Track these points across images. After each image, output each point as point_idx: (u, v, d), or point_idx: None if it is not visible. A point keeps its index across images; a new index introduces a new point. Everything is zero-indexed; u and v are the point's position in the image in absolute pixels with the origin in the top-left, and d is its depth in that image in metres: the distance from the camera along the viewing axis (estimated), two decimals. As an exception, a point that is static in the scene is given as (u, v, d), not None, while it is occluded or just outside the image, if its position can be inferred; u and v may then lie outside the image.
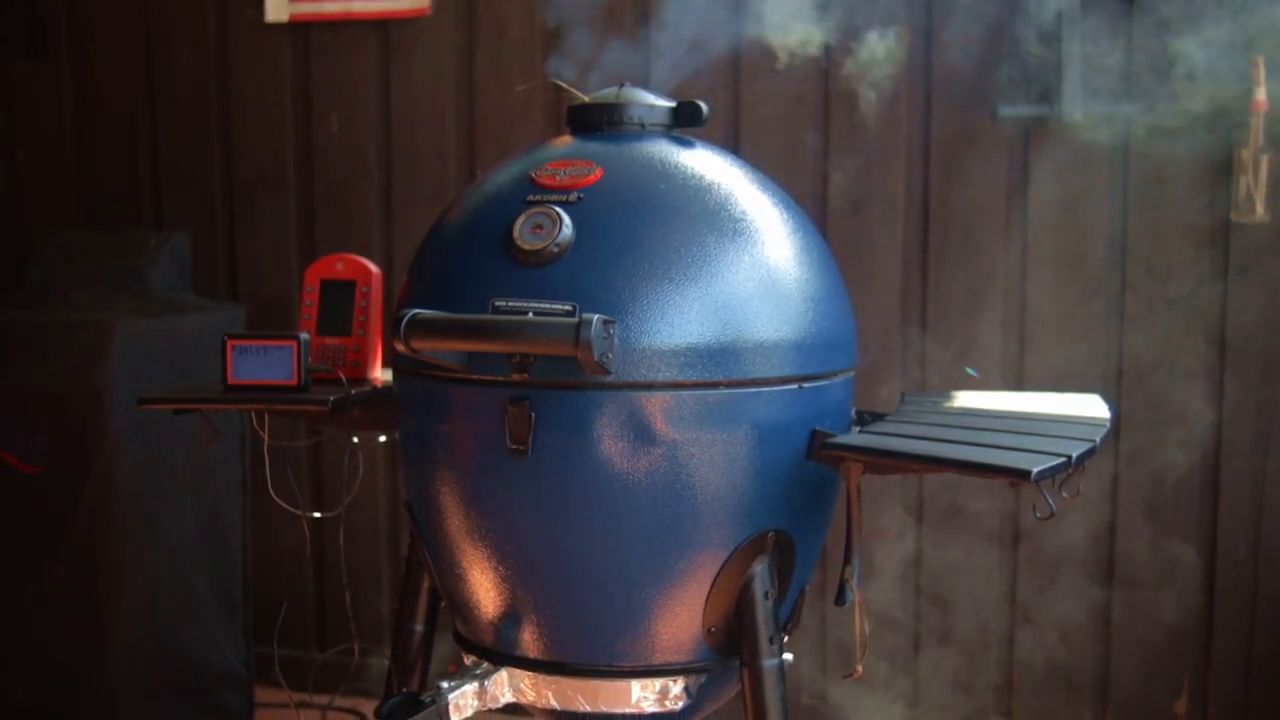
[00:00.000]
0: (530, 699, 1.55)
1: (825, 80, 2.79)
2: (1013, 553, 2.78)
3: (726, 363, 1.42)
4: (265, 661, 2.93)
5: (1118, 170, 2.67)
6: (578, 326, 1.30)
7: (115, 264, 2.84)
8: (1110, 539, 2.72)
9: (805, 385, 1.48)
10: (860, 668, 1.57)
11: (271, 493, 1.81)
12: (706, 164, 1.54)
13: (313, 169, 3.16)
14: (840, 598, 1.49)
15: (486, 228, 1.48)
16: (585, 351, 1.30)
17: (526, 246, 1.42)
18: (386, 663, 1.67)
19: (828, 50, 2.77)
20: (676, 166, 1.51)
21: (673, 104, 1.63)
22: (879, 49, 2.72)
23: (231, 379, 1.66)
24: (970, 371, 2.67)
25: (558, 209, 1.44)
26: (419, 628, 1.66)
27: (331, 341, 1.75)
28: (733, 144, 2.81)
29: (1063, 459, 1.32)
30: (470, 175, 3.03)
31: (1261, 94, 2.50)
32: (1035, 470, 1.28)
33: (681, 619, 1.48)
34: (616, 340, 1.37)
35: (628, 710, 1.52)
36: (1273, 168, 2.52)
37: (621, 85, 1.63)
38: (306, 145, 3.16)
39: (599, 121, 1.61)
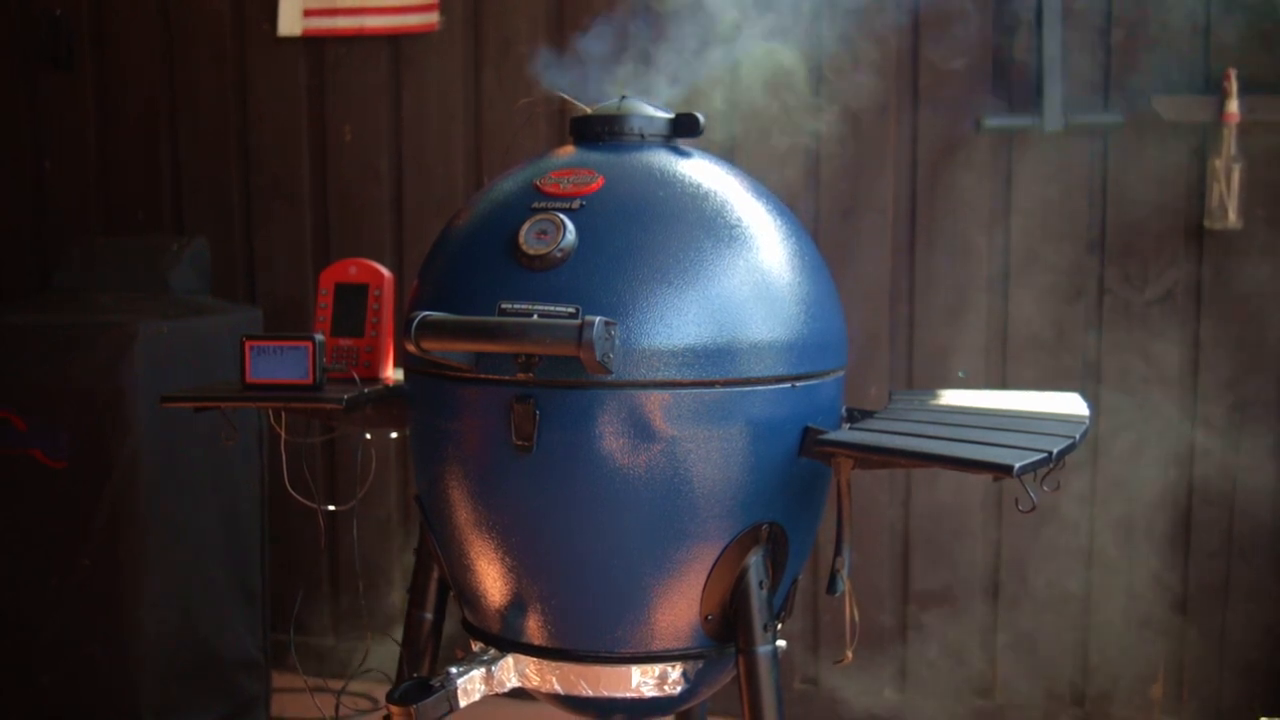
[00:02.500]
0: (535, 684, 1.55)
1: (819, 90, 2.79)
2: (995, 547, 2.78)
3: (722, 362, 1.42)
4: (281, 648, 2.94)
5: (1096, 179, 2.67)
6: (580, 328, 1.31)
7: (138, 268, 2.84)
8: (1089, 532, 2.72)
9: (798, 384, 1.48)
10: (850, 654, 1.57)
11: (288, 487, 1.81)
12: (703, 173, 1.54)
13: (327, 177, 3.16)
14: (831, 587, 1.49)
15: (493, 233, 1.48)
16: (588, 352, 1.30)
17: (532, 251, 1.42)
18: (398, 649, 1.67)
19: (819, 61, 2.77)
20: (675, 175, 1.52)
21: (671, 115, 1.63)
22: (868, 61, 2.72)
23: (249, 378, 1.66)
24: (961, 374, 2.68)
25: (561, 215, 1.44)
26: (429, 616, 1.66)
27: (345, 342, 1.76)
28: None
29: (1044, 455, 1.32)
30: (478, 183, 3.03)
31: (1233, 106, 2.50)
32: (1018, 465, 1.28)
33: (680, 607, 1.48)
34: (617, 341, 1.37)
35: (628, 694, 1.52)
36: (1244, 176, 2.53)
37: (622, 97, 1.63)
38: (321, 155, 3.16)
39: (600, 132, 1.61)
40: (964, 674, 2.82)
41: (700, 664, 1.53)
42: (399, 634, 1.67)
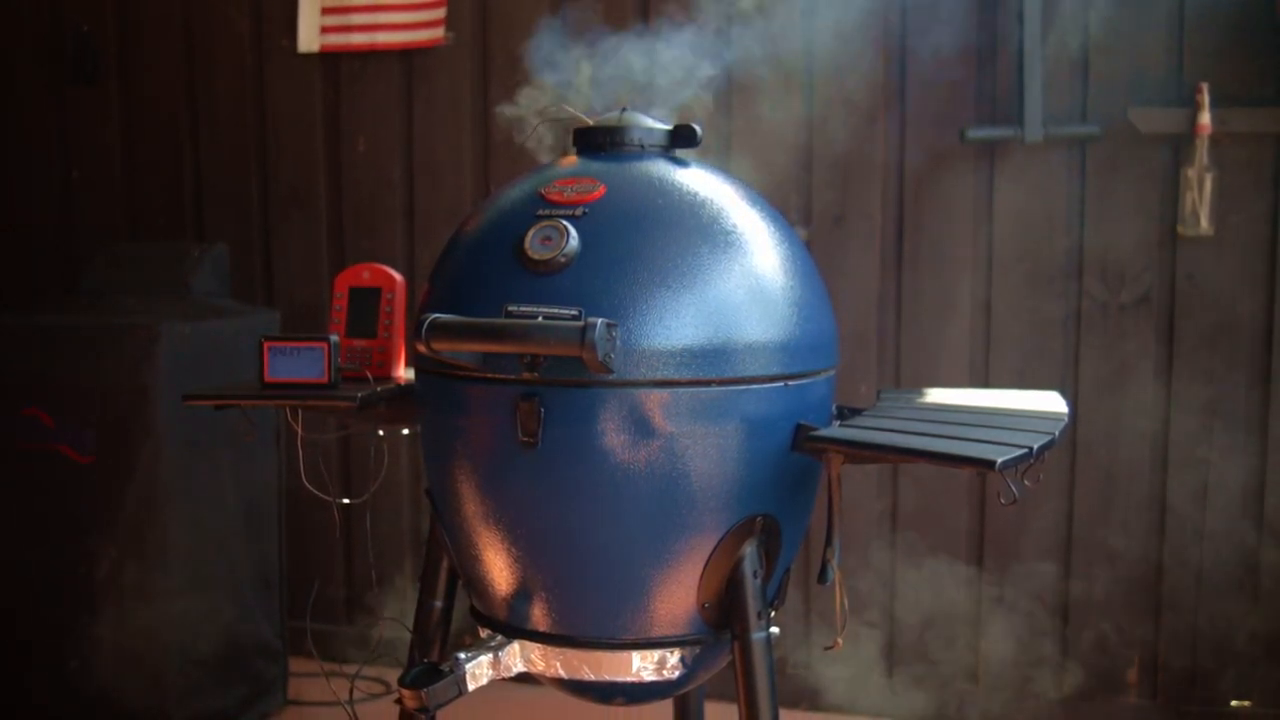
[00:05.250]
0: (540, 669, 1.55)
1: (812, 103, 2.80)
2: (979, 540, 2.78)
3: (719, 362, 1.42)
4: (298, 634, 2.93)
5: (1075, 187, 2.67)
6: (583, 329, 1.31)
7: (161, 272, 2.84)
8: (1068, 525, 2.72)
9: (790, 383, 1.48)
10: (840, 640, 1.57)
11: (304, 481, 1.81)
12: (700, 181, 1.54)
13: (342, 186, 3.16)
14: (822, 576, 1.49)
15: (500, 239, 1.48)
16: (590, 352, 1.31)
17: (537, 256, 1.43)
18: (409, 636, 1.67)
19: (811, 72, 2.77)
20: (673, 184, 1.51)
21: (669, 126, 1.63)
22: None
23: (268, 377, 1.66)
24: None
25: (565, 222, 1.44)
26: (438, 604, 1.66)
27: (359, 343, 1.75)
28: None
29: (1024, 450, 1.32)
30: (485, 191, 3.03)
31: (1205, 118, 2.50)
32: (999, 460, 1.28)
33: (678, 596, 1.48)
34: (618, 342, 1.37)
35: (629, 679, 1.52)
36: (1216, 185, 2.53)
37: (623, 109, 1.63)
38: (336, 164, 3.16)
39: (602, 143, 1.61)
40: (950, 659, 2.82)
41: (697, 650, 1.53)
42: (410, 621, 1.67)
